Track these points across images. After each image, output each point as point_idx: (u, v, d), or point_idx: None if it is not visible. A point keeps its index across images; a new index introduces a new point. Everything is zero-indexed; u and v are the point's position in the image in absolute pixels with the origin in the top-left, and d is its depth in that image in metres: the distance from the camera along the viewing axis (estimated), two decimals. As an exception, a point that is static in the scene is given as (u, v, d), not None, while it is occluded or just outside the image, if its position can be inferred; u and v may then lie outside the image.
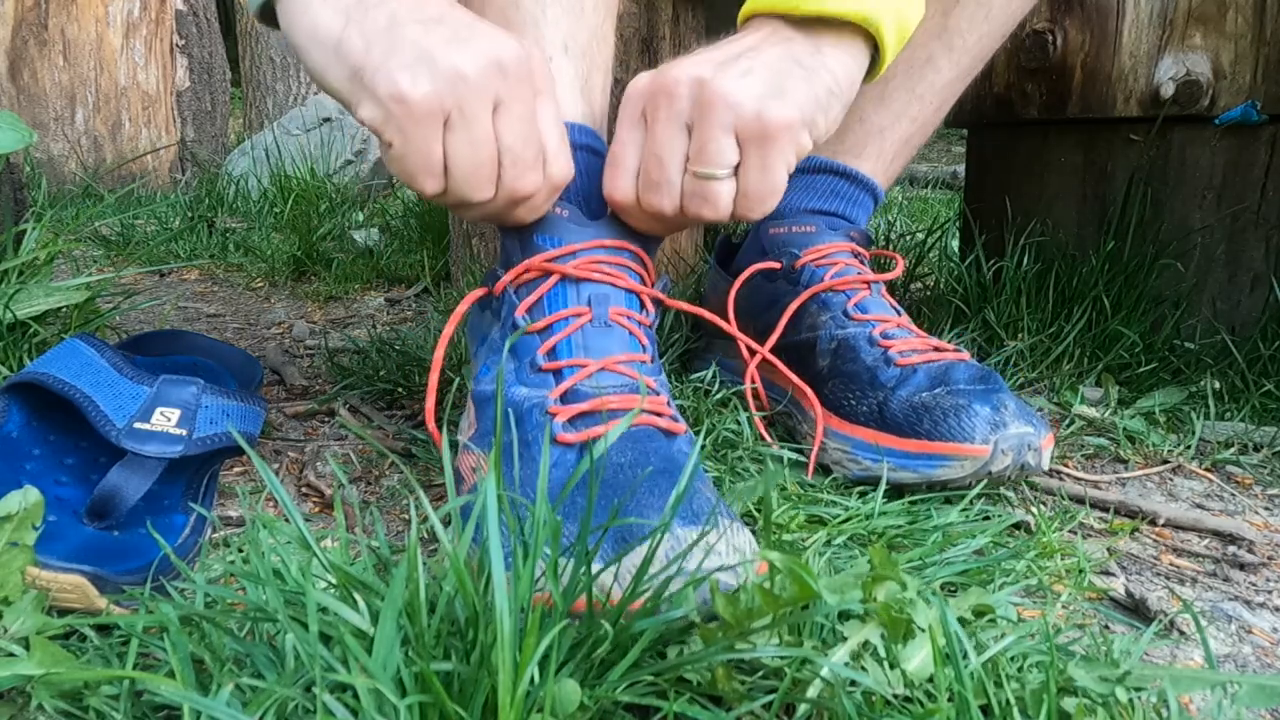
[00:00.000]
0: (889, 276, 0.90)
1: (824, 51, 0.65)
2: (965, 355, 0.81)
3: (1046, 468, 0.75)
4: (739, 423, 0.82)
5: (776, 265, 0.89)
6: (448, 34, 0.57)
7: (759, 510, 0.68)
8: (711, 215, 0.65)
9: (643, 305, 0.70)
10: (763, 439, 0.81)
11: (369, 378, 0.99)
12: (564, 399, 0.63)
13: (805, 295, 0.86)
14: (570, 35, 0.71)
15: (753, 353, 0.84)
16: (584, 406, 0.62)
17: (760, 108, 0.61)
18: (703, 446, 0.78)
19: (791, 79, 0.63)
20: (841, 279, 0.86)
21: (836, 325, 0.84)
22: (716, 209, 0.64)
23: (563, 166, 0.64)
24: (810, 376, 0.85)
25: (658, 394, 0.65)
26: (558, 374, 0.65)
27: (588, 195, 0.72)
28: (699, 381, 0.89)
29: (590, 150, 0.72)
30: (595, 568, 0.46)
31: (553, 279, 0.68)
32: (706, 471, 0.69)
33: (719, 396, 0.87)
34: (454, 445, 0.69)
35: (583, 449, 0.59)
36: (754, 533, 0.61)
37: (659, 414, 0.63)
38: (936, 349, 0.82)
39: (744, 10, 0.68)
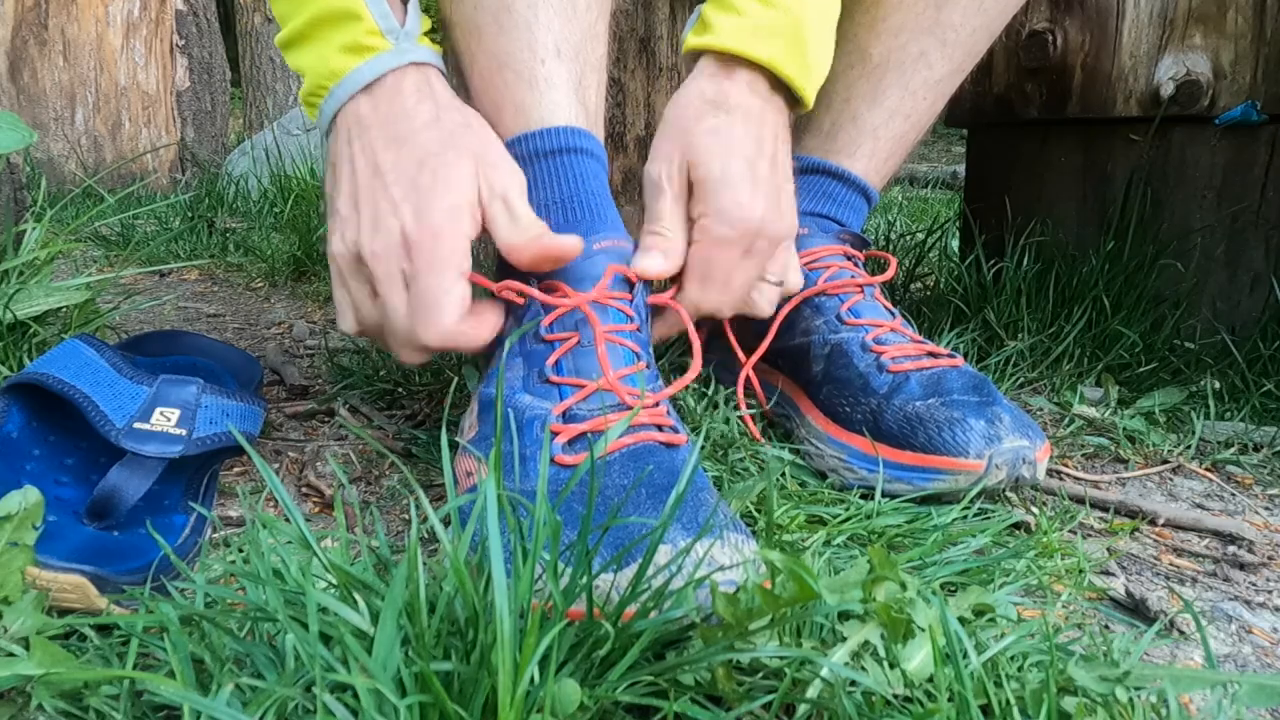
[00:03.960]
0: (882, 279, 0.90)
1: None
2: (959, 361, 0.81)
3: (1041, 478, 0.75)
4: (737, 423, 0.82)
5: None
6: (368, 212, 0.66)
7: (759, 510, 0.68)
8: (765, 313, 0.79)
9: (628, 315, 0.70)
10: (756, 441, 0.81)
11: (369, 378, 0.99)
12: (565, 417, 0.63)
13: (798, 299, 0.86)
14: (563, 37, 0.71)
15: (748, 354, 0.84)
16: (583, 427, 0.62)
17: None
18: (701, 448, 0.78)
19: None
20: (834, 283, 0.86)
21: (830, 330, 0.84)
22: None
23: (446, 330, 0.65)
24: (805, 381, 0.85)
25: (657, 405, 0.65)
26: (561, 390, 0.65)
27: (584, 198, 0.72)
28: (697, 382, 0.89)
29: (586, 153, 0.72)
30: (594, 571, 0.46)
31: (572, 301, 0.69)
32: (705, 471, 0.69)
33: (718, 397, 0.87)
34: (454, 446, 0.69)
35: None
36: (754, 533, 0.61)
37: (659, 426, 0.63)
38: (930, 354, 0.81)
39: (704, 44, 0.74)
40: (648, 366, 0.68)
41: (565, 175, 0.71)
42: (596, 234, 0.70)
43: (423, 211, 0.63)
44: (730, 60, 0.73)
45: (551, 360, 0.66)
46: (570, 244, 0.65)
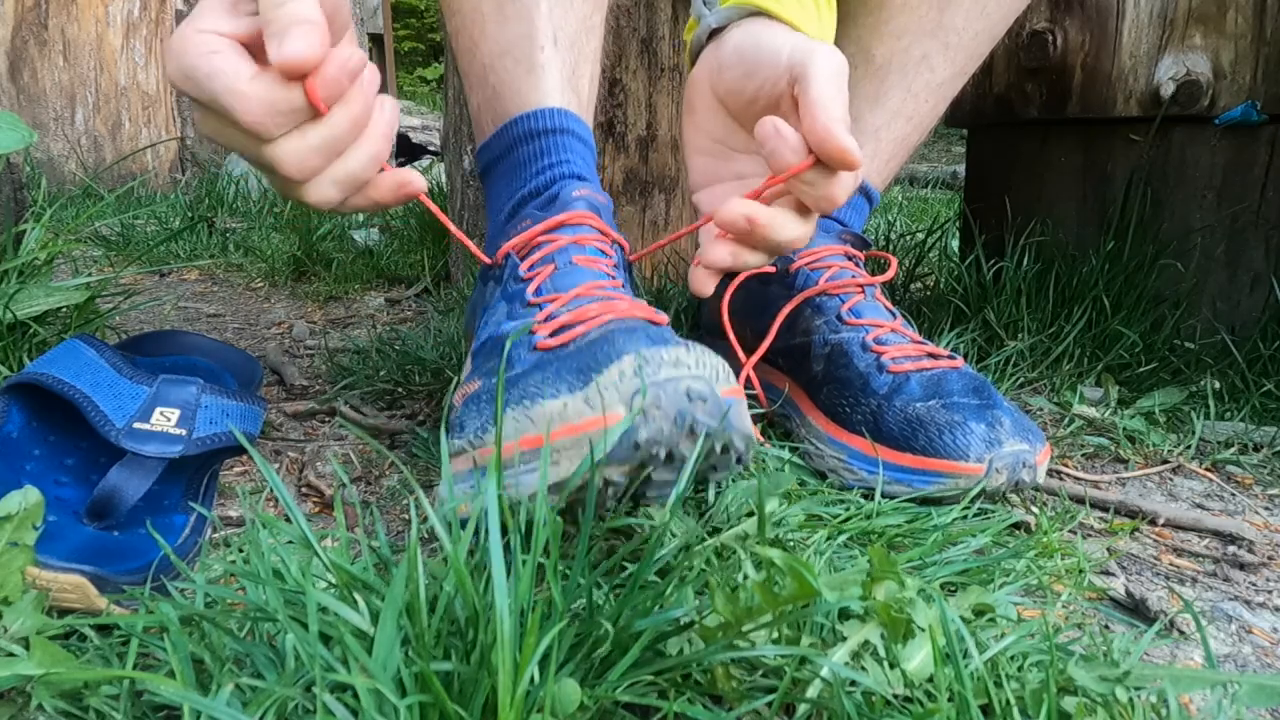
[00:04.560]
0: (883, 279, 0.90)
1: None
2: (959, 362, 0.81)
3: (1042, 481, 0.75)
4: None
5: (771, 269, 0.89)
6: None
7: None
8: None
9: (606, 254, 0.72)
10: (757, 440, 0.81)
11: (369, 378, 0.99)
12: (547, 321, 0.64)
13: (798, 299, 0.86)
14: (560, 27, 0.74)
15: (748, 354, 0.84)
16: (564, 319, 0.62)
17: None
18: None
19: None
20: (835, 283, 0.86)
21: (830, 330, 0.84)
22: None
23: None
24: (805, 381, 0.85)
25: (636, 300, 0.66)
26: (542, 306, 0.66)
27: (570, 167, 0.75)
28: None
29: (574, 134, 0.75)
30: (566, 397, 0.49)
31: (551, 247, 0.70)
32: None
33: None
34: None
35: (562, 347, 0.60)
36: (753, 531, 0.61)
37: (641, 311, 0.64)
38: (930, 355, 0.81)
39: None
40: (623, 285, 0.70)
41: (552, 151, 0.74)
42: (579, 181, 0.72)
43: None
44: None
45: (531, 289, 0.68)
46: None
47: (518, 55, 0.74)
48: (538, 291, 0.67)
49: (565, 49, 0.74)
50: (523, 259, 0.71)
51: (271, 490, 0.77)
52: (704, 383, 0.51)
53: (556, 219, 0.70)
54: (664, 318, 0.64)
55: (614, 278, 0.69)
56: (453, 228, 0.70)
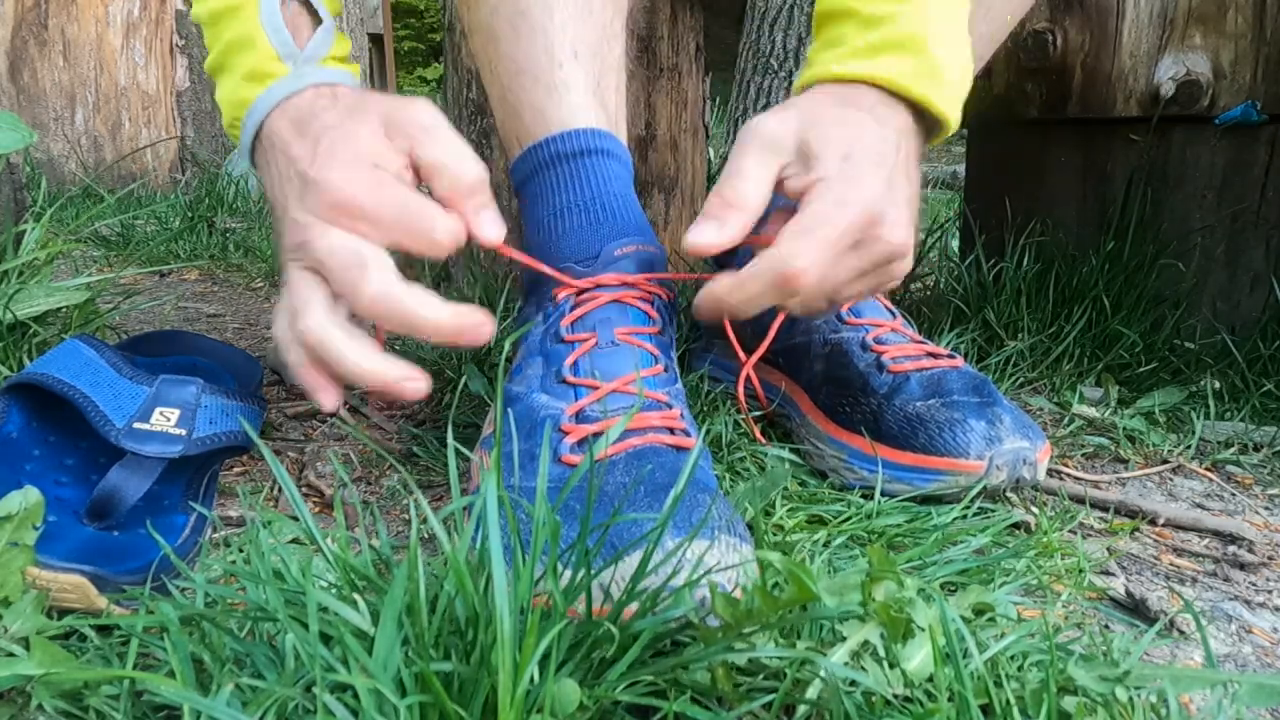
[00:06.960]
0: None
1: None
2: (959, 361, 0.81)
3: (1042, 479, 0.75)
4: (737, 423, 0.82)
5: None
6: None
7: (766, 513, 0.68)
8: None
9: (649, 316, 0.70)
10: (757, 441, 0.81)
11: (369, 378, 0.99)
12: (578, 418, 0.63)
13: None
14: (578, 38, 0.71)
15: (748, 354, 0.84)
16: (593, 428, 0.62)
17: None
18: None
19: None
20: None
21: (829, 329, 0.84)
22: None
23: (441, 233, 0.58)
24: (805, 380, 0.85)
25: (671, 407, 0.65)
26: (576, 390, 0.65)
27: (605, 200, 0.72)
28: (695, 381, 0.89)
29: (607, 154, 0.72)
30: (593, 570, 0.46)
31: (600, 299, 0.69)
32: (715, 474, 0.69)
33: (714, 395, 0.87)
34: (468, 444, 0.69)
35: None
36: (751, 529, 0.61)
37: (670, 429, 0.63)
38: (930, 354, 0.81)
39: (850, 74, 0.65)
40: (665, 369, 0.68)
41: (587, 178, 0.71)
42: (620, 239, 0.70)
43: (322, 179, 0.57)
44: (852, 84, 0.65)
45: (569, 360, 0.66)
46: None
47: (535, 73, 0.70)
48: (575, 368, 0.66)
49: (587, 61, 0.71)
50: (568, 309, 0.69)
51: (271, 490, 0.77)
52: (726, 580, 0.50)
53: (597, 278, 0.69)
54: (692, 440, 0.63)
55: (657, 360, 0.68)
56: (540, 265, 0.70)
